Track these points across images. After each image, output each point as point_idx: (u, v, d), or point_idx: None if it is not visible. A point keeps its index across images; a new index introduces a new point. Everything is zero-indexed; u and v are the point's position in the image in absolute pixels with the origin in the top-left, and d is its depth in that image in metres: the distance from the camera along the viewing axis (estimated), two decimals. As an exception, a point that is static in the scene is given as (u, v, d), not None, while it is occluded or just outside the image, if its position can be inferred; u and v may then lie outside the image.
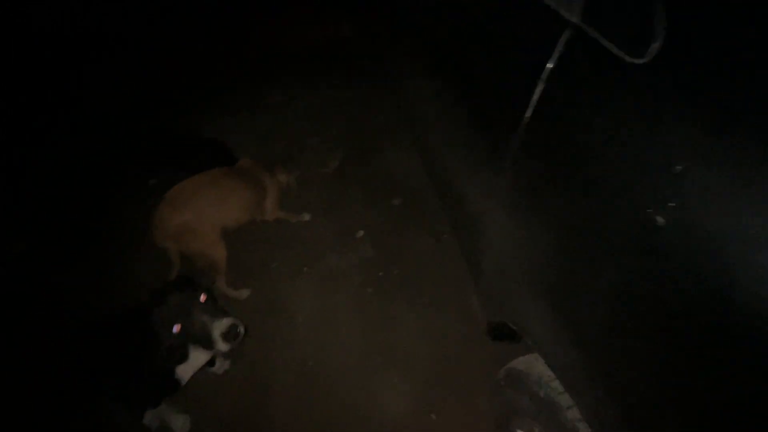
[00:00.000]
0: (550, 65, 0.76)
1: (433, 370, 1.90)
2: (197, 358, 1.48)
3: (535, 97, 0.82)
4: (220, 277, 2.11)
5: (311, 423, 1.80)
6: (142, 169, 2.78)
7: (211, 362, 1.92)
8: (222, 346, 1.31)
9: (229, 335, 1.29)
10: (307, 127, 3.21)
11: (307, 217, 2.54)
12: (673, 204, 0.55)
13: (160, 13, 4.35)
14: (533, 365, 1.20)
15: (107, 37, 4.21)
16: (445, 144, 1.35)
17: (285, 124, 3.27)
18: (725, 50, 0.52)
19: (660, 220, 0.57)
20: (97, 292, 2.27)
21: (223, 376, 1.95)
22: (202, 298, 1.34)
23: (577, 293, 0.76)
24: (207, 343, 1.31)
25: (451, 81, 1.23)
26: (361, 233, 2.46)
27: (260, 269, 2.33)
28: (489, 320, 1.35)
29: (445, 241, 2.36)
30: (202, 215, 1.94)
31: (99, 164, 3.04)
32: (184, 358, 1.44)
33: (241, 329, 1.33)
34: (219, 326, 1.28)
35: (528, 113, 0.85)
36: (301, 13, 4.54)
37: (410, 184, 2.70)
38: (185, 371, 1.50)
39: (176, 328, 1.28)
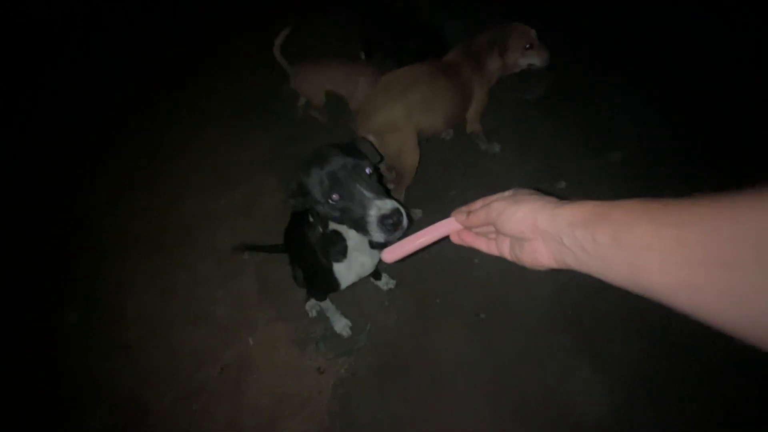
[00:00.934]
0: None
1: (631, 370, 1.53)
2: (356, 259, 1.30)
3: None
4: (401, 186, 1.89)
5: (468, 377, 1.60)
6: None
7: (376, 274, 1.81)
8: (377, 233, 1.01)
9: (387, 222, 0.98)
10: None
11: (497, 148, 2.15)
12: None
13: None
14: None
15: None
16: None
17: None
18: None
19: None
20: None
21: (389, 298, 1.83)
22: (368, 170, 1.08)
23: None
24: (362, 226, 1.02)
25: None
26: (563, 184, 2.01)
27: (438, 192, 2.07)
28: None
29: None
30: (413, 113, 1.68)
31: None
32: (341, 255, 1.27)
33: (404, 221, 0.99)
34: (379, 206, 0.99)
35: None
36: None
37: (636, 134, 2.10)
38: (343, 273, 1.32)
39: (335, 197, 1.04)
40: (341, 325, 1.74)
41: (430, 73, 1.74)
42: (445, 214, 0.61)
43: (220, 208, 2.17)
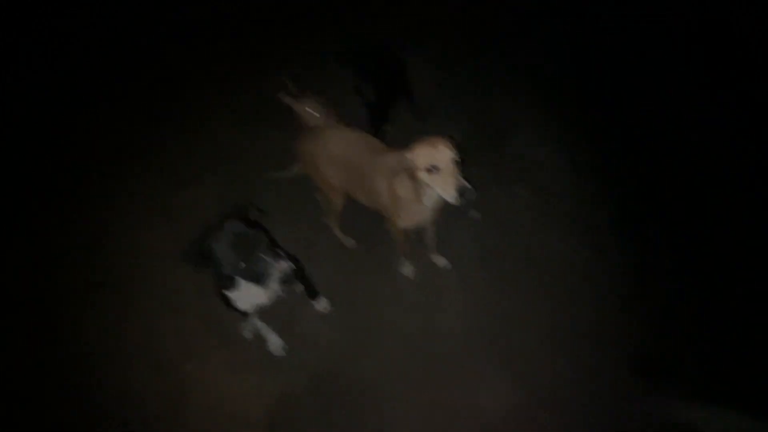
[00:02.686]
0: None
1: (537, 371, 1.77)
2: (249, 290, 1.49)
3: None
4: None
5: (401, 385, 1.79)
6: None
7: (312, 293, 1.94)
8: (277, 287, 1.46)
9: (286, 279, 1.44)
10: (437, 93, 3.01)
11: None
12: None
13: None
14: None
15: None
16: None
17: (418, 87, 3.10)
18: None
19: None
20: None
21: (325, 318, 2.00)
22: (264, 238, 1.38)
23: None
24: (264, 283, 1.41)
25: None
26: (477, 215, 2.30)
27: (368, 223, 2.28)
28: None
29: (574, 247, 2.14)
30: None
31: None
32: (233, 287, 1.49)
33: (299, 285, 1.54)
34: (281, 269, 1.42)
35: None
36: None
37: (542, 176, 2.48)
38: (239, 299, 1.52)
39: (241, 265, 1.34)
40: (276, 345, 1.88)
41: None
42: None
43: (168, 244, 2.28)
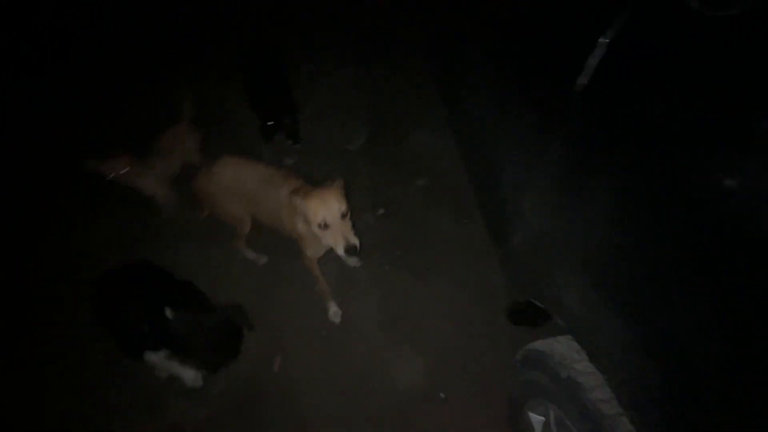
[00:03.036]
0: (610, 30, 0.73)
1: (448, 347, 1.91)
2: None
3: (593, 62, 0.78)
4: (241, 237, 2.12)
5: (322, 390, 1.84)
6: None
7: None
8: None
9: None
10: (335, 101, 3.17)
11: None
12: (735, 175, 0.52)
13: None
14: (554, 347, 1.19)
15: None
16: (490, 115, 1.31)
17: (313, 97, 3.23)
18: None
19: (729, 183, 0.54)
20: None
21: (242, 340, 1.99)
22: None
23: (624, 264, 0.74)
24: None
25: (501, 46, 1.19)
26: (381, 211, 2.45)
27: (279, 238, 2.34)
28: (513, 301, 1.33)
29: (466, 224, 2.34)
30: None
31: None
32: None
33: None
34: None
35: (584, 80, 0.81)
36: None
37: (437, 165, 2.66)
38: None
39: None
40: (191, 377, 1.83)
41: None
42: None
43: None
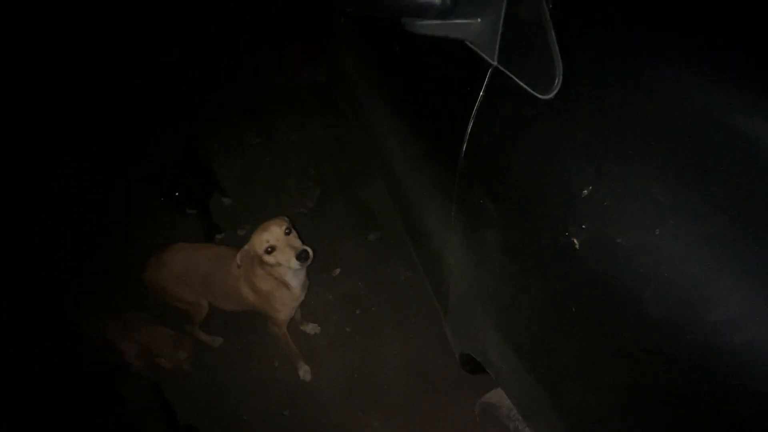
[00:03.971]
0: (476, 104, 0.82)
1: (413, 408, 1.84)
2: None
3: (468, 131, 0.87)
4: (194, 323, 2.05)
5: None
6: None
7: None
8: None
9: None
10: (284, 168, 3.26)
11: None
12: (585, 226, 0.58)
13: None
14: (503, 397, 1.18)
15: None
16: (405, 177, 1.39)
17: (262, 167, 3.32)
18: (617, 81, 0.57)
19: (576, 241, 0.60)
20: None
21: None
22: None
23: (518, 314, 0.77)
24: None
25: (406, 117, 1.30)
26: (337, 271, 2.44)
27: (233, 315, 2.27)
28: (460, 352, 1.33)
29: (421, 273, 2.36)
30: None
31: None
32: None
33: None
34: None
35: (464, 147, 0.90)
36: (279, 60, 4.74)
37: (386, 218, 2.72)
38: None
39: None
40: None
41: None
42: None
43: None
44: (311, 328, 2.15)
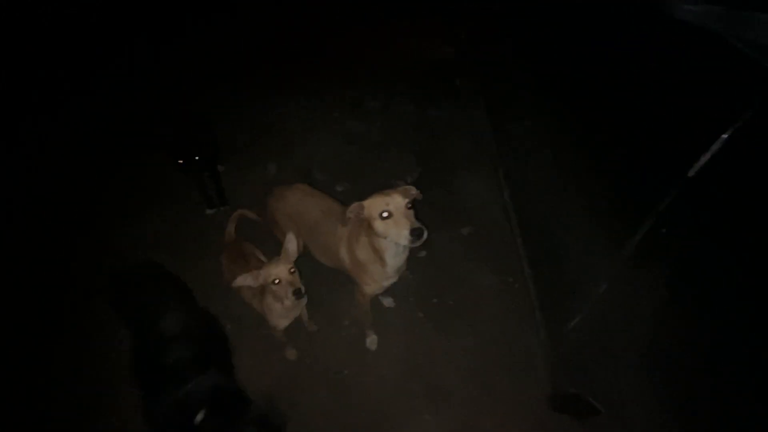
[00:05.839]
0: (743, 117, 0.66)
1: (466, 412, 1.78)
2: None
3: (701, 163, 0.72)
4: None
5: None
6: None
7: None
8: None
9: None
10: (392, 138, 3.24)
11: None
12: None
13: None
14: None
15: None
16: (552, 194, 1.26)
17: (373, 131, 3.33)
18: None
19: None
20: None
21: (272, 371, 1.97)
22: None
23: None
24: None
25: (575, 132, 1.15)
26: (423, 253, 2.40)
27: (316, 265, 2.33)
28: (559, 389, 1.22)
29: (510, 283, 2.23)
30: None
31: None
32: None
33: None
34: None
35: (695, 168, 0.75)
36: (409, 30, 4.69)
37: (483, 215, 2.61)
38: None
39: None
40: None
41: None
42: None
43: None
44: (387, 302, 2.15)
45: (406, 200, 1.45)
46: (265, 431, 1.20)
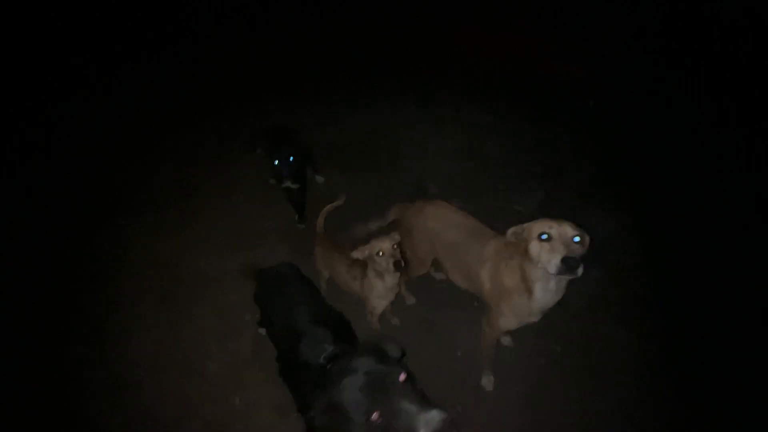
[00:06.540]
0: None
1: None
2: None
3: None
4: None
5: None
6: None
7: None
8: None
9: None
10: (508, 155, 3.04)
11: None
12: None
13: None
14: None
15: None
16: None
17: (487, 147, 3.15)
18: None
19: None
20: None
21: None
22: (402, 377, 1.00)
23: None
24: None
25: None
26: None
27: (438, 286, 2.26)
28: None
29: (637, 336, 2.03)
30: None
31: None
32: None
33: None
34: (428, 422, 0.90)
35: None
36: (531, 43, 4.40)
37: (613, 257, 2.35)
38: None
39: (375, 416, 0.95)
40: None
41: None
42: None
43: (233, 269, 2.28)
44: (506, 340, 2.02)
45: (576, 232, 1.32)
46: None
